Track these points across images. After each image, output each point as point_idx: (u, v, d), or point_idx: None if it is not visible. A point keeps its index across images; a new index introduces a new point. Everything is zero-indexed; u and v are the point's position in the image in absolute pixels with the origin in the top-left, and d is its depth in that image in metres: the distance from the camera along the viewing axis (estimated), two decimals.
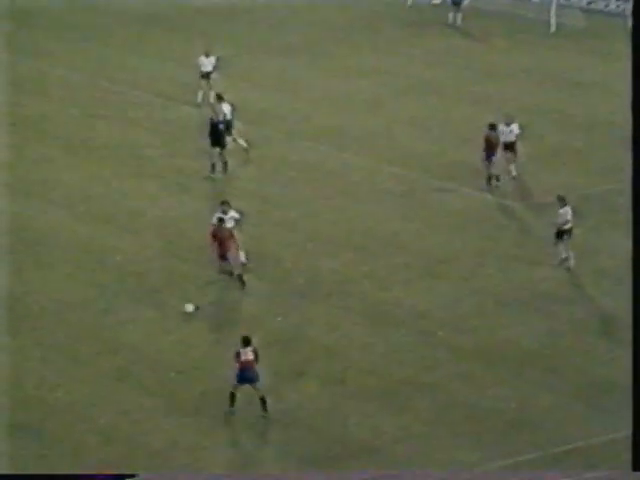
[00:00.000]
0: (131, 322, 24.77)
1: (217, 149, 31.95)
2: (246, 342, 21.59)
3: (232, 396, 21.54)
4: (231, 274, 26.09)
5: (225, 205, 26.63)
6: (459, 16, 47.78)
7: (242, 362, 21.45)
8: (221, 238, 25.98)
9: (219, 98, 33.53)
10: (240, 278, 26.04)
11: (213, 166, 32.00)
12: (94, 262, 27.28)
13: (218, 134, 31.76)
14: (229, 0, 51.52)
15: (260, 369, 21.47)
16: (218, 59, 37.76)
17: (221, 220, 26.20)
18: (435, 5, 51.47)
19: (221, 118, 32.55)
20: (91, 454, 20.36)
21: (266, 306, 25.62)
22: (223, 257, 26.06)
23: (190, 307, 22.74)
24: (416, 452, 20.46)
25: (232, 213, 26.57)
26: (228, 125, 32.59)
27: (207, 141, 31.98)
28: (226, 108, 33.08)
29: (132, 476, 19.44)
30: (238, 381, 21.49)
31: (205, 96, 37.14)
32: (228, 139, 31.96)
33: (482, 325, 24.77)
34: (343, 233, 29.42)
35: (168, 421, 21.43)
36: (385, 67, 43.28)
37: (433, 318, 25.09)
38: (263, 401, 21.51)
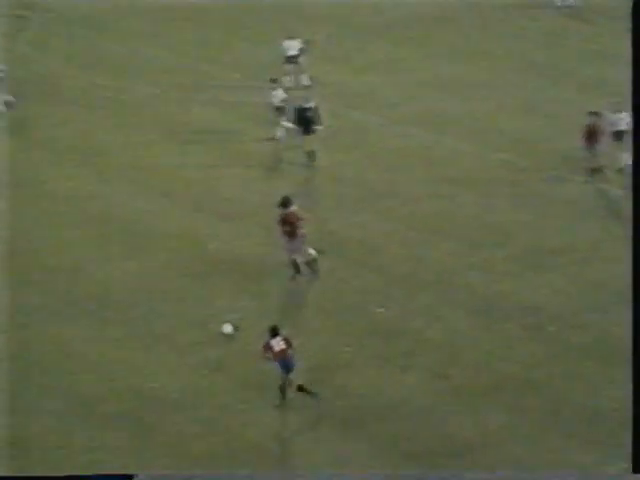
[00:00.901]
0: (228, 312, 24.74)
1: (305, 136, 31.70)
2: (275, 332, 21.44)
3: (282, 389, 21.39)
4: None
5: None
6: None
7: (277, 353, 21.29)
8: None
9: (273, 81, 33.41)
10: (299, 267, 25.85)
11: (309, 154, 31.70)
12: (190, 250, 27.33)
13: (306, 121, 31.44)
14: None
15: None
16: (304, 42, 37.64)
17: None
18: None
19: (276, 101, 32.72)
20: (191, 444, 20.38)
21: (367, 297, 25.40)
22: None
23: (229, 328, 22.38)
24: (524, 452, 20.10)
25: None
26: (280, 110, 32.79)
27: (295, 128, 31.86)
28: (280, 93, 33.06)
29: (132, 476, 19.40)
30: (285, 372, 21.33)
31: (292, 80, 37.24)
32: (317, 127, 31.61)
33: (596, 321, 24.25)
34: (447, 222, 29.11)
35: (266, 414, 21.32)
36: (493, 49, 42.84)
37: (543, 312, 24.62)
38: (283, 389, 21.37)
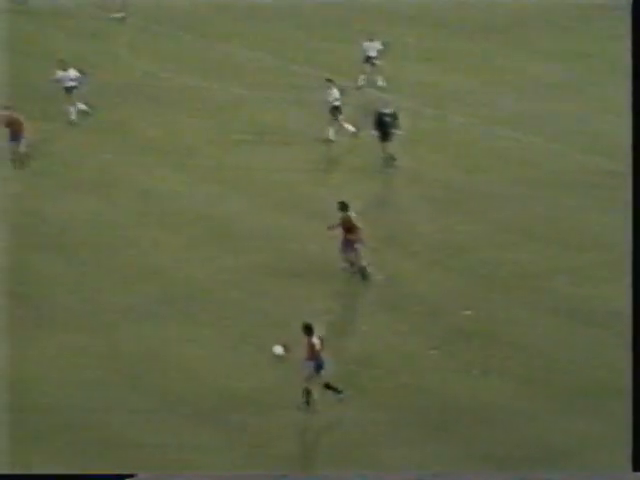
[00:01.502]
0: (315, 313, 24.97)
1: (383, 142, 31.69)
2: (311, 331, 21.40)
3: (308, 392, 21.37)
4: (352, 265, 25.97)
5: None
6: None
7: (316, 352, 21.33)
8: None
9: (329, 81, 33.50)
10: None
11: (389, 159, 31.70)
12: (277, 250, 27.51)
13: (384, 126, 31.52)
14: None
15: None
16: (384, 44, 37.84)
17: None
18: None
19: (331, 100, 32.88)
20: (275, 447, 20.62)
21: (453, 299, 25.50)
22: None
23: (279, 350, 22.47)
24: (611, 458, 20.02)
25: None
26: (336, 109, 32.96)
27: (374, 133, 31.77)
28: (335, 92, 33.16)
29: (132, 476, 19.59)
30: (316, 371, 21.36)
31: (368, 80, 37.68)
32: (395, 131, 31.66)
33: None
34: (536, 224, 29.03)
35: (354, 415, 21.51)
36: (586, 50, 42.53)
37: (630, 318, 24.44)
38: (308, 391, 21.39)
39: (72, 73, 34.31)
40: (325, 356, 21.38)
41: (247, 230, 28.57)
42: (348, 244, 25.73)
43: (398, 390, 22.23)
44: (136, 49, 42.13)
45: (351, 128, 33.56)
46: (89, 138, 34.05)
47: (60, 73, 34.35)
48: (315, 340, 21.42)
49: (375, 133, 31.60)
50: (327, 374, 21.46)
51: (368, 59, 37.92)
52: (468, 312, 24.88)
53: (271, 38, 43.37)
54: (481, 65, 41.07)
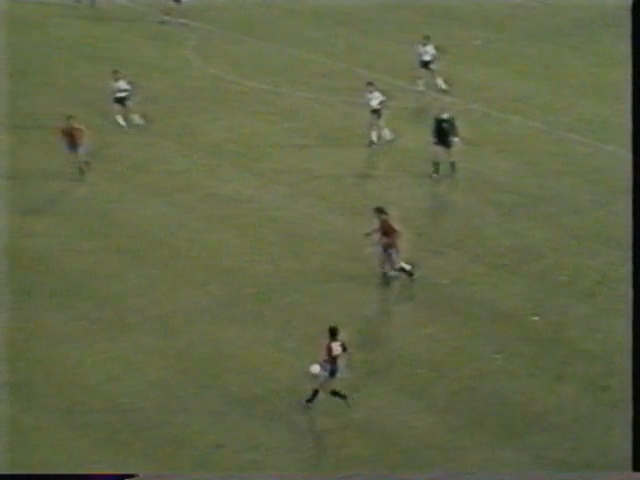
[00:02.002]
0: (381, 316, 25.12)
1: (441, 147, 31.56)
2: (335, 334, 21.53)
3: (315, 393, 21.56)
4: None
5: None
6: None
7: (334, 357, 21.47)
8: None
9: (371, 85, 33.67)
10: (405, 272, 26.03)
11: (436, 165, 31.53)
12: (345, 253, 27.69)
13: (443, 132, 31.44)
14: None
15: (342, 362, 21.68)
16: (437, 48, 37.91)
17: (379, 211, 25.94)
18: None
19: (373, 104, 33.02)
20: (345, 448, 20.80)
21: (522, 304, 25.45)
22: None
23: (316, 369, 22.60)
24: None
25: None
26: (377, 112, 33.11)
27: (433, 139, 31.68)
28: (377, 96, 33.26)
29: (132, 476, 19.68)
30: (330, 375, 21.50)
31: (425, 85, 37.83)
32: (454, 138, 31.56)
33: None
34: (608, 231, 28.85)
35: (419, 418, 21.63)
36: None
37: None
38: (316, 392, 21.58)
39: (122, 84, 34.51)
40: (341, 363, 21.56)
41: (313, 233, 28.70)
42: (386, 248, 25.81)
43: (462, 393, 22.28)
44: (204, 53, 42.44)
45: (388, 134, 33.52)
46: (158, 142, 34.37)
47: (112, 84, 34.59)
48: (334, 345, 21.55)
49: (433, 140, 31.52)
50: (335, 382, 21.65)
51: (424, 64, 37.92)
52: (535, 318, 24.80)
53: (336, 42, 43.49)
54: (548, 69, 40.88)
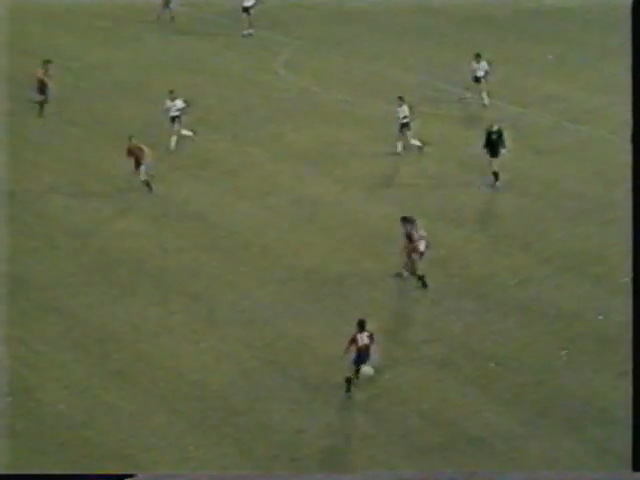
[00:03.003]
0: (454, 313, 25.06)
1: (492, 158, 31.28)
2: (362, 326, 21.80)
3: (349, 381, 21.82)
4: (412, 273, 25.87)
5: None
6: None
7: (360, 347, 21.65)
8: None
9: (400, 99, 33.39)
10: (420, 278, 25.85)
11: (496, 175, 31.29)
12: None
13: (492, 144, 31.14)
14: (562, 2, 51.16)
15: (375, 352, 21.86)
16: (489, 64, 37.68)
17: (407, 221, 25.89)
18: None
19: (400, 117, 32.85)
20: (416, 436, 20.85)
21: (586, 303, 25.25)
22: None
23: (370, 370, 22.66)
24: None
25: (422, 232, 25.99)
26: (405, 126, 32.99)
27: (484, 150, 31.40)
28: (405, 110, 33.06)
29: (131, 476, 19.64)
30: (355, 364, 21.76)
31: (477, 99, 37.71)
32: (502, 151, 31.18)
33: None
34: None
35: (487, 409, 21.59)
36: None
37: None
38: (349, 380, 21.84)
39: (179, 103, 34.07)
40: (372, 353, 21.78)
41: (390, 234, 28.66)
42: (410, 254, 25.80)
43: (529, 387, 22.20)
44: (293, 67, 42.72)
45: (418, 143, 33.34)
46: (250, 149, 34.69)
47: (169, 103, 34.15)
48: (360, 336, 21.82)
49: (484, 150, 31.28)
50: (365, 370, 21.91)
51: (477, 79, 37.71)
52: (600, 317, 24.59)
53: (414, 56, 43.41)
54: (618, 83, 40.36)
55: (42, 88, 36.84)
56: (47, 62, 37.14)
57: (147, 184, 31.05)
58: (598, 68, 42.18)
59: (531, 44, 45.27)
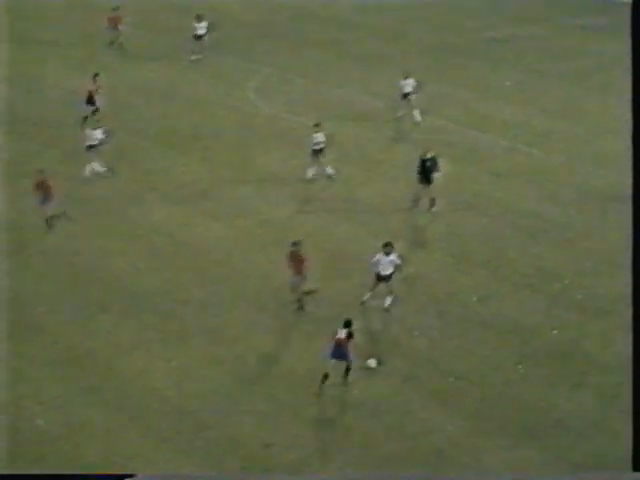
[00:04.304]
0: (417, 329, 25.07)
1: (425, 184, 30.91)
2: (345, 324, 22.32)
3: (325, 376, 22.15)
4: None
5: (388, 247, 25.53)
6: None
7: (335, 340, 22.13)
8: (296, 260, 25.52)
9: (316, 126, 33.07)
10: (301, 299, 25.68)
11: (415, 202, 31.06)
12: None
13: (426, 171, 30.82)
14: (522, 31, 51.60)
15: (351, 351, 22.28)
16: (417, 82, 38.07)
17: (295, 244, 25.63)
18: None
19: (314, 143, 32.61)
20: (381, 448, 20.83)
21: (542, 319, 25.33)
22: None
23: (373, 363, 22.82)
24: None
25: (393, 257, 25.49)
26: (319, 152, 32.73)
27: (416, 177, 31.12)
28: (319, 136, 32.79)
29: (131, 476, 19.62)
30: (330, 357, 22.16)
31: (406, 115, 38.08)
32: (436, 174, 30.94)
33: None
34: (623, 255, 28.54)
35: (449, 422, 21.61)
36: None
37: None
38: (347, 373, 22.35)
39: (99, 133, 33.33)
40: (349, 352, 22.19)
41: (353, 254, 28.65)
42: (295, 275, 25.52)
43: (489, 400, 22.26)
44: (263, 93, 42.74)
45: (330, 170, 33.15)
46: (221, 171, 34.60)
47: (88, 131, 33.52)
48: (339, 330, 22.23)
49: (418, 177, 31.00)
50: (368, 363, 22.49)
51: (405, 95, 38.01)
52: (554, 332, 24.68)
53: (383, 82, 43.35)
54: (577, 109, 40.72)
55: (91, 100, 37.38)
56: (96, 75, 37.62)
57: (48, 221, 29.76)
58: (554, 94, 42.46)
59: (490, 71, 45.57)
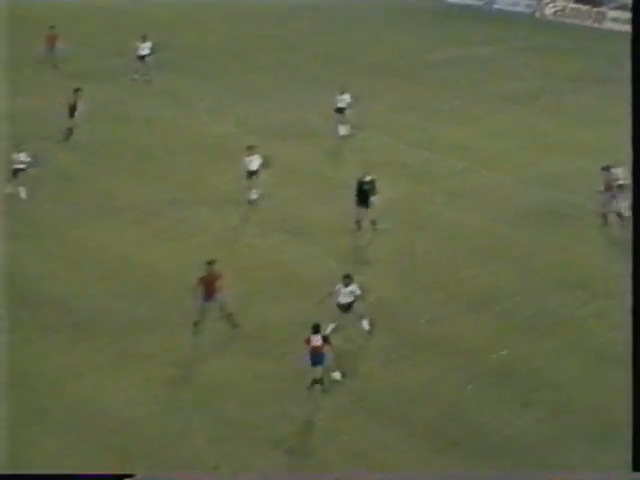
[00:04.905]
0: (369, 349, 24.97)
1: (362, 208, 30.72)
2: (316, 329, 22.30)
3: (314, 381, 22.32)
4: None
5: (347, 279, 25.09)
6: None
7: (312, 348, 22.17)
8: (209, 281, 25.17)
9: (250, 148, 32.98)
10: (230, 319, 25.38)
11: (358, 224, 30.88)
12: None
13: (364, 194, 30.59)
14: (468, 53, 52.00)
15: (328, 355, 22.36)
16: (352, 97, 38.58)
17: (209, 263, 25.28)
18: None
19: (251, 168, 32.52)
20: (332, 469, 20.62)
21: (492, 339, 25.32)
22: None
23: (338, 375, 22.90)
24: None
25: (352, 287, 25.08)
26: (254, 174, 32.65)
27: (355, 199, 30.82)
28: (256, 161, 32.73)
29: (131, 476, 19.47)
30: (311, 365, 22.20)
31: (341, 129, 38.76)
32: (373, 198, 30.72)
33: None
34: (570, 272, 28.78)
35: (402, 441, 21.47)
36: (616, 117, 42.18)
37: None
38: (322, 381, 22.42)
39: (22, 156, 32.85)
40: (326, 354, 22.22)
41: (308, 276, 28.51)
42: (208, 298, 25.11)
43: (439, 420, 22.19)
44: (215, 114, 42.65)
45: (254, 196, 32.94)
46: (173, 191, 34.33)
47: (14, 155, 33.07)
48: (312, 337, 22.24)
49: (355, 199, 30.78)
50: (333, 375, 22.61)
51: (339, 110, 38.51)
52: (504, 352, 24.67)
53: (329, 103, 43.36)
54: (517, 129, 41.07)
55: (72, 113, 37.69)
56: (77, 90, 37.96)
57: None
58: (500, 115, 42.72)
59: (438, 92, 45.80)
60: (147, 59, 46.13)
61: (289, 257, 29.74)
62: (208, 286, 25.10)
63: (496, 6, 64.63)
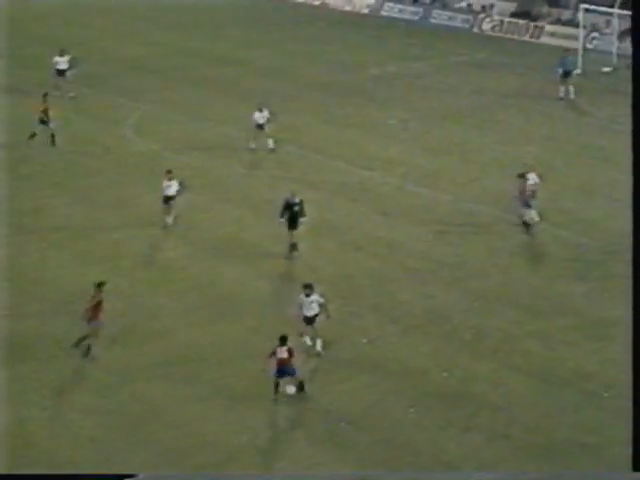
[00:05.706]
0: (307, 372, 25.08)
1: (290, 230, 31.00)
2: (283, 341, 23.24)
3: (276, 385, 23.34)
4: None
5: (308, 289, 25.67)
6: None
7: (278, 360, 23.13)
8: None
9: (169, 173, 33.19)
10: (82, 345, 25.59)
11: (292, 246, 31.15)
12: (280, 314, 27.66)
13: (292, 215, 30.91)
14: (405, 68, 52.66)
15: (296, 365, 23.47)
16: (270, 113, 39.70)
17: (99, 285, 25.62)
18: (605, 72, 51.29)
19: (169, 193, 32.75)
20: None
21: (432, 361, 25.65)
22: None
23: (292, 389, 23.38)
24: None
25: (314, 297, 25.65)
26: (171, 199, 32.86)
27: (281, 221, 31.08)
28: (174, 186, 32.88)
29: (132, 476, 19.60)
30: (277, 376, 23.25)
31: (259, 144, 39.70)
32: (301, 219, 31.08)
33: None
34: (510, 293, 29.25)
35: (339, 468, 21.61)
36: (554, 134, 43.13)
37: (600, 380, 24.63)
38: (301, 386, 23.64)
39: None
40: (295, 367, 23.26)
41: (241, 298, 28.65)
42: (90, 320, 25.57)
43: (379, 444, 22.34)
44: (142, 131, 42.64)
45: (169, 220, 33.08)
46: (99, 212, 34.30)
47: None
48: (279, 349, 23.18)
49: (282, 221, 31.04)
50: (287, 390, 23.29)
51: (259, 126, 39.62)
52: (444, 374, 25.01)
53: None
54: (458, 147, 41.66)
55: (44, 120, 39.01)
56: (46, 94, 39.44)
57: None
58: (437, 132, 43.36)
59: (375, 109, 46.36)
60: (67, 74, 45.94)
61: (225, 279, 29.83)
62: (94, 308, 25.39)
63: (433, 20, 65.62)
